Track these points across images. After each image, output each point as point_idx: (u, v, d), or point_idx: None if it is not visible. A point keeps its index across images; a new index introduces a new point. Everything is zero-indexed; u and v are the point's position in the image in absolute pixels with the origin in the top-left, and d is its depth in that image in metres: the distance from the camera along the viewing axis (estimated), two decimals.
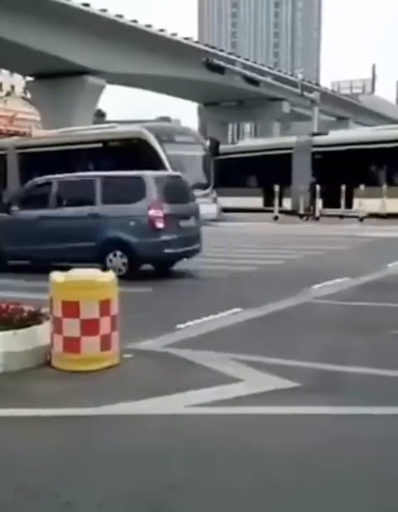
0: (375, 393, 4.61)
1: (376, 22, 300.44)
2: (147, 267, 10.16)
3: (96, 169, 21.86)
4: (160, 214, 9.62)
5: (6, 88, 78.59)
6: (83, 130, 26.97)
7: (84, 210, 10.13)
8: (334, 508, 3.01)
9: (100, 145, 24.19)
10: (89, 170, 22.25)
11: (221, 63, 32.60)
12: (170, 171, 18.68)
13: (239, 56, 48.76)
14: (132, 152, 22.43)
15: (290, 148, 28.08)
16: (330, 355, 5.57)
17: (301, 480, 3.24)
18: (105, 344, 5.10)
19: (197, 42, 46.98)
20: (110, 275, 5.30)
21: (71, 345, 5.03)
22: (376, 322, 6.89)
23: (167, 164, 21.24)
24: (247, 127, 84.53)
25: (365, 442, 3.73)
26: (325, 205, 25.14)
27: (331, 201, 25.00)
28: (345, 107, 62.29)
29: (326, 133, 29.49)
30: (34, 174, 22.76)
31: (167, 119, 24.89)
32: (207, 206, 19.32)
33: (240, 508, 3.01)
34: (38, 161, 25.12)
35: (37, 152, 26.29)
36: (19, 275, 9.70)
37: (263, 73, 40.40)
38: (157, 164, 20.40)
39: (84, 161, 24.12)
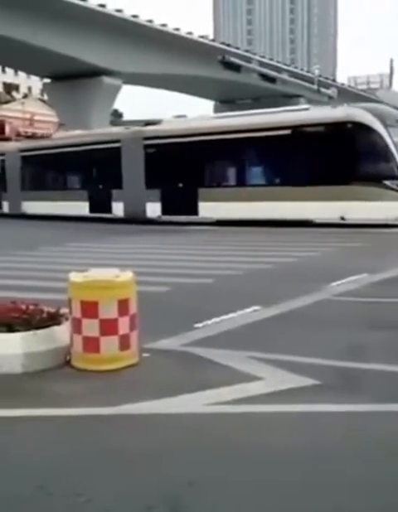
0: (397, 390, 4.58)
1: (394, 16, 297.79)
2: None
3: (282, 161, 19.49)
4: None
5: (23, 90, 79.24)
6: (257, 114, 21.53)
7: None
8: (356, 506, 2.98)
9: (287, 132, 19.19)
10: (275, 161, 20.10)
11: (237, 61, 32.57)
12: None
13: (255, 54, 48.73)
14: (340, 139, 18.40)
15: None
16: (349, 352, 5.53)
17: (323, 478, 3.22)
18: (124, 343, 5.11)
19: (213, 40, 47.03)
20: (128, 274, 5.32)
21: (91, 344, 5.06)
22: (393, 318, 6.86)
23: (396, 154, 17.73)
24: None
25: (387, 440, 3.70)
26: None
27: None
28: (362, 102, 61.82)
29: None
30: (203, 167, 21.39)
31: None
32: None
33: (260, 506, 3.00)
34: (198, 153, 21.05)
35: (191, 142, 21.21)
36: None
37: (279, 70, 40.33)
38: (381, 154, 17.89)
39: (262, 151, 20.41)
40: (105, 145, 23.41)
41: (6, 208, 28.93)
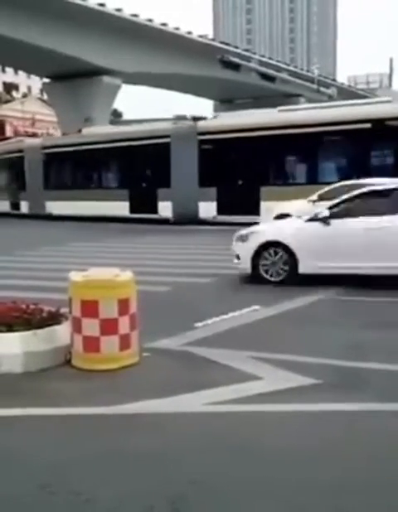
0: (396, 389, 4.59)
1: (393, 15, 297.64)
2: None
3: (361, 157, 17.80)
4: None
5: (23, 89, 79.25)
6: (331, 107, 20.06)
7: None
8: (356, 504, 3.00)
9: (366, 126, 17.54)
10: (351, 157, 18.32)
11: (236, 60, 32.61)
12: None
13: (254, 53, 48.73)
14: None
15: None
16: (349, 351, 5.55)
17: (324, 477, 3.23)
18: (124, 343, 5.12)
19: (212, 40, 46.99)
20: (128, 274, 5.32)
21: (91, 344, 5.07)
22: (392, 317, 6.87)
23: None
24: None
25: (388, 439, 3.71)
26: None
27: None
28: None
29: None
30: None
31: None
32: None
33: (261, 504, 3.01)
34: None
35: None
36: None
37: (278, 69, 40.35)
38: None
39: (338, 146, 18.76)
40: (150, 141, 21.62)
41: (24, 208, 27.07)
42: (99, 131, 25.75)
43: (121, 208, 22.41)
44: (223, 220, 19.46)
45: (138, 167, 23.03)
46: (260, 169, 19.82)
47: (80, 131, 26.29)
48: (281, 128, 19.00)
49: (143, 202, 22.18)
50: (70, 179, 25.83)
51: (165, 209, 21.29)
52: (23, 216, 26.58)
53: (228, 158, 20.45)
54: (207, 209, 20.31)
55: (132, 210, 22.53)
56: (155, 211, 21.75)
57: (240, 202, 19.53)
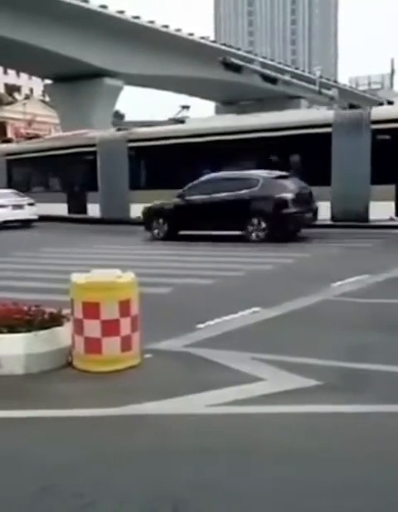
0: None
1: (394, 16, 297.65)
2: None
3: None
4: None
5: (25, 91, 79.37)
6: None
7: None
8: (359, 507, 2.98)
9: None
10: None
11: (238, 62, 32.50)
12: None
13: (256, 55, 48.69)
14: None
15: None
16: (351, 352, 5.53)
17: (324, 480, 3.22)
18: (126, 344, 5.11)
19: (214, 41, 47.03)
20: (130, 275, 5.32)
21: (92, 346, 5.06)
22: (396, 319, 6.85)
23: None
24: None
25: (390, 441, 3.69)
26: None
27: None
28: (364, 103, 61.78)
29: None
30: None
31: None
32: None
33: (265, 506, 2.99)
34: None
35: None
36: None
37: (280, 71, 40.25)
38: None
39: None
40: (306, 130, 18.33)
41: (94, 211, 23.30)
42: (219, 122, 21.92)
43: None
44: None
45: (281, 163, 19.05)
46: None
47: (181, 121, 23.15)
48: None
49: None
50: (178, 178, 20.86)
51: (325, 209, 17.78)
52: (92, 221, 23.01)
53: None
54: (383, 209, 17.23)
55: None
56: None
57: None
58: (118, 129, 23.76)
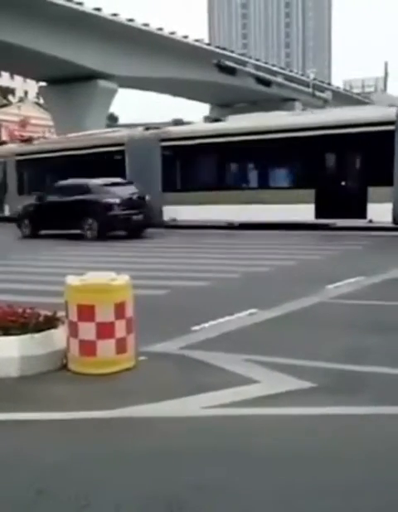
0: (394, 392, 4.58)
1: (388, 20, 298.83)
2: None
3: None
4: None
5: (19, 93, 79.26)
6: None
7: None
8: (355, 507, 2.98)
9: None
10: None
11: (232, 64, 32.59)
12: None
13: (250, 57, 48.84)
14: None
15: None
16: (346, 354, 5.54)
17: (321, 481, 3.22)
18: (121, 347, 5.11)
19: (208, 44, 47.09)
20: (125, 278, 5.31)
21: (87, 348, 5.05)
22: (391, 321, 6.86)
23: None
24: None
25: (385, 442, 3.70)
26: None
27: None
28: (357, 106, 61.94)
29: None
30: None
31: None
32: None
33: (259, 509, 3.00)
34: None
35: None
36: None
37: (274, 73, 40.37)
38: None
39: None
40: (355, 129, 17.47)
41: None
42: (265, 120, 20.45)
43: (304, 212, 18.01)
44: None
45: (337, 162, 18.64)
46: None
47: (217, 120, 22.09)
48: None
49: (345, 203, 17.64)
50: (216, 179, 20.64)
51: (379, 212, 16.92)
52: None
53: None
54: None
55: (318, 214, 18.12)
56: (362, 214, 17.34)
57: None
58: (146, 128, 22.48)
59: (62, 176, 20.19)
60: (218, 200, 19.47)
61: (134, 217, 17.55)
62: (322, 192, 18.12)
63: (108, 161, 21.98)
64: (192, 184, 20.62)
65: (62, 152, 24.02)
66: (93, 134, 25.22)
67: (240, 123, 20.43)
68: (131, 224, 17.61)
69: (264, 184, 19.72)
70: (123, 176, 20.59)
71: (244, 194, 19.41)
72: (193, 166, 21.03)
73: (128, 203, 17.50)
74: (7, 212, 26.38)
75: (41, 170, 25.24)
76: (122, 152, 21.88)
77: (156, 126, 22.79)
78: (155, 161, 20.97)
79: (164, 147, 20.93)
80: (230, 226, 19.61)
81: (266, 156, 19.36)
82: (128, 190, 17.88)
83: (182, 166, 21.31)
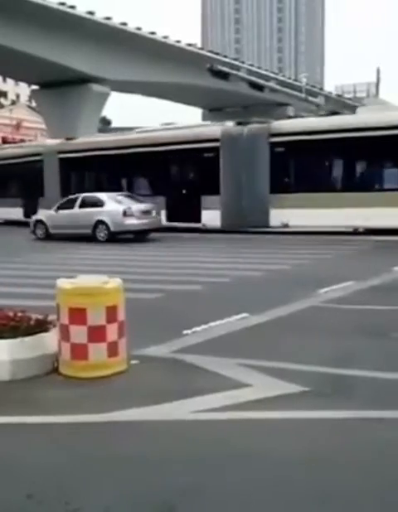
0: (384, 396, 4.59)
1: (380, 25, 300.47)
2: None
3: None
4: None
5: (11, 97, 79.14)
6: None
7: None
8: (346, 511, 2.99)
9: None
10: None
11: (225, 69, 32.64)
12: None
13: (243, 62, 48.88)
14: None
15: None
16: (337, 358, 5.55)
17: (312, 485, 3.22)
18: (112, 350, 5.10)
19: (201, 49, 47.12)
20: (116, 281, 5.31)
21: (79, 351, 5.04)
22: (381, 325, 6.88)
23: None
24: None
25: (376, 446, 3.71)
26: None
27: None
28: (349, 111, 62.18)
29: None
30: None
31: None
32: None
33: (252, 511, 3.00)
34: None
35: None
36: None
37: (267, 78, 40.47)
38: None
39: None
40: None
41: (211, 219, 19.06)
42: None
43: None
44: None
45: None
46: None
47: (335, 113, 20.56)
48: None
49: None
50: (334, 179, 18.72)
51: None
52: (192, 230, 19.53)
53: None
54: None
55: None
56: None
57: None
58: (238, 123, 19.73)
59: (127, 177, 21.04)
60: (343, 202, 16.91)
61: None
62: None
63: (195, 160, 19.76)
64: (311, 184, 18.02)
65: (128, 149, 21.03)
66: (169, 129, 21.87)
67: (371, 116, 17.73)
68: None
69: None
70: (214, 175, 18.86)
71: (376, 196, 16.92)
72: (312, 164, 18.53)
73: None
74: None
75: (97, 169, 22.95)
76: (215, 149, 19.17)
77: (246, 121, 20.11)
78: (262, 159, 18.44)
79: (274, 143, 18.37)
80: (355, 232, 17.58)
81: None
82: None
83: (298, 164, 18.91)
